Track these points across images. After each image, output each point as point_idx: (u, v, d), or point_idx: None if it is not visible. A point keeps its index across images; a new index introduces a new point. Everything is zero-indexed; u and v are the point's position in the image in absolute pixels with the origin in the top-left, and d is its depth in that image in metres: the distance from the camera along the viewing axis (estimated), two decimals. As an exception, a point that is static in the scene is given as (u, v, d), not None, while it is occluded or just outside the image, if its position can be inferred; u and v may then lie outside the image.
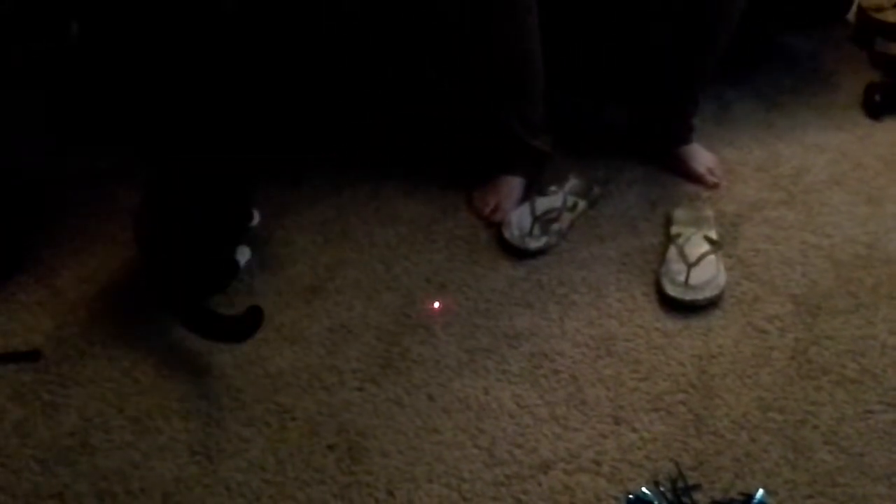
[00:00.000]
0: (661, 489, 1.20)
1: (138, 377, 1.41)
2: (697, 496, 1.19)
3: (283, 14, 1.95)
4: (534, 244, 1.61)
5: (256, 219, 1.66)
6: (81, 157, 1.93)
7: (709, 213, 1.66)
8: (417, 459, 1.27)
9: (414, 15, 1.96)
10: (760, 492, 1.18)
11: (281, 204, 1.76)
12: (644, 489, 1.20)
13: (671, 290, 1.48)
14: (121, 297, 1.56)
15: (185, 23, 1.87)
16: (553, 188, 1.71)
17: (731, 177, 1.78)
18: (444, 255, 1.63)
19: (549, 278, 1.56)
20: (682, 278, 1.49)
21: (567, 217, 1.66)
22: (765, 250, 1.59)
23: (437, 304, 1.53)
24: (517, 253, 1.61)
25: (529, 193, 1.72)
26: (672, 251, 1.56)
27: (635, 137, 1.86)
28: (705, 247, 1.54)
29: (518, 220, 1.65)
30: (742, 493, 1.19)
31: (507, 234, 1.63)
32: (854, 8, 2.25)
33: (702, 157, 1.79)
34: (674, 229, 1.61)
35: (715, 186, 1.75)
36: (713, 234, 1.59)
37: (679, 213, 1.65)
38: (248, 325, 1.39)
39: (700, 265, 1.50)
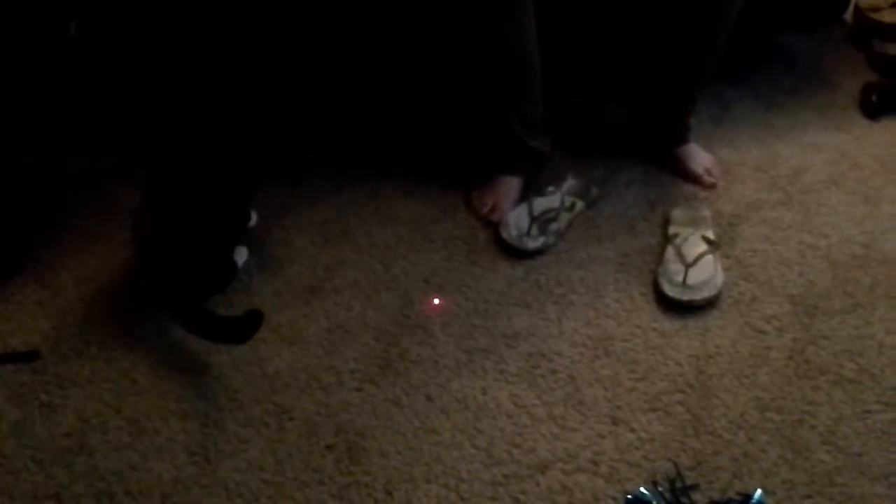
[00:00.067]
0: (660, 489, 1.20)
1: (136, 378, 1.41)
2: (695, 496, 1.19)
3: (283, 14, 1.95)
4: (532, 244, 1.61)
5: (254, 219, 1.66)
6: (81, 157, 1.93)
7: (706, 213, 1.66)
8: (416, 459, 1.27)
9: (414, 15, 1.96)
10: (758, 492, 1.18)
11: (280, 204, 1.76)
12: (642, 489, 1.20)
13: (669, 291, 1.48)
14: (119, 298, 1.57)
15: (184, 23, 1.87)
16: (551, 188, 1.71)
17: (729, 177, 1.78)
18: (443, 255, 1.63)
19: (547, 278, 1.56)
20: (679, 278, 1.49)
21: (565, 217, 1.66)
22: (762, 250, 1.59)
23: (436, 301, 1.53)
24: (515, 253, 1.61)
25: (527, 194, 1.73)
26: (670, 251, 1.56)
27: (634, 137, 1.86)
28: (703, 247, 1.54)
29: (516, 220, 1.65)
30: (740, 493, 1.19)
31: (505, 235, 1.63)
32: (851, 8, 2.25)
33: (700, 157, 1.79)
34: (671, 229, 1.61)
35: (713, 187, 1.75)
36: (711, 235, 1.59)
37: (677, 214, 1.65)
38: (247, 327, 1.40)
39: (698, 265, 1.50)
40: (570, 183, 1.74)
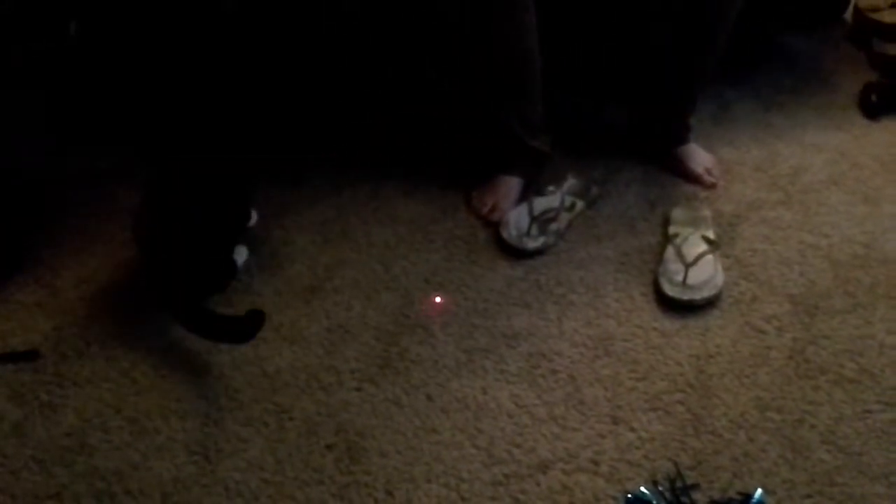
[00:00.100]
0: (660, 489, 1.20)
1: (136, 377, 1.41)
2: (696, 496, 1.19)
3: (283, 14, 1.95)
4: (532, 244, 1.61)
5: (254, 219, 1.66)
6: (81, 157, 1.93)
7: (706, 212, 1.66)
8: (416, 459, 1.27)
9: (414, 15, 1.96)
10: (759, 491, 1.18)
11: (280, 204, 1.76)
12: (642, 489, 1.20)
13: (669, 290, 1.48)
14: (119, 298, 1.57)
15: (184, 23, 1.87)
16: (551, 188, 1.71)
17: (729, 177, 1.78)
18: (443, 255, 1.63)
19: (547, 278, 1.56)
20: (679, 278, 1.49)
21: (565, 217, 1.66)
22: (762, 250, 1.59)
23: (437, 300, 1.53)
24: (515, 253, 1.61)
25: (527, 193, 1.73)
26: (670, 251, 1.56)
27: (634, 137, 1.86)
28: (703, 247, 1.54)
29: (516, 220, 1.65)
30: (740, 493, 1.19)
31: (505, 234, 1.63)
32: (851, 8, 2.26)
33: (700, 157, 1.79)
34: (672, 229, 1.61)
35: (713, 186, 1.75)
36: (711, 234, 1.59)
37: (677, 213, 1.65)
38: (248, 326, 1.40)
39: (698, 265, 1.50)
40: (570, 183, 1.74)
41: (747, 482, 1.21)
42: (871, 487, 1.19)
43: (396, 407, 1.35)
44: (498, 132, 1.74)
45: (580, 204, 1.70)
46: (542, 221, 1.63)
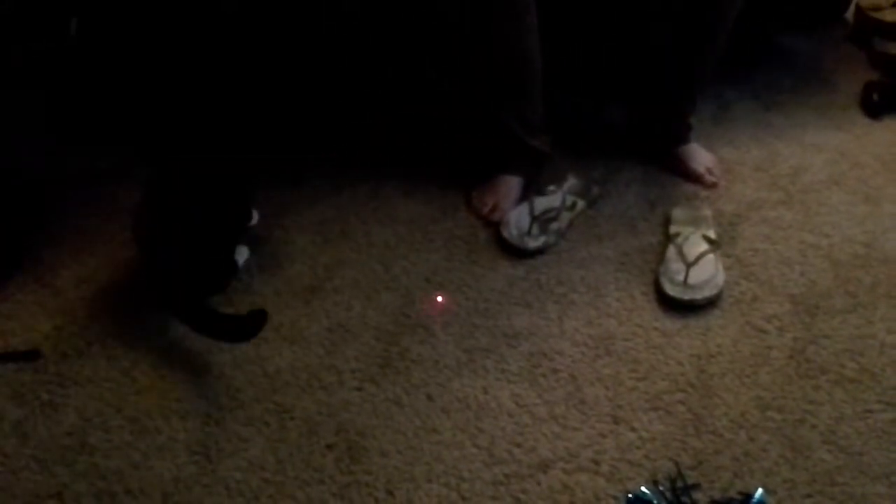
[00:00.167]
0: (661, 488, 1.20)
1: (137, 377, 1.41)
2: (696, 495, 1.19)
3: (283, 14, 1.95)
4: (532, 244, 1.61)
5: (255, 219, 1.66)
6: (81, 157, 1.93)
7: (707, 212, 1.66)
8: (416, 459, 1.27)
9: (414, 15, 1.96)
10: (759, 491, 1.18)
11: (280, 204, 1.76)
12: (643, 488, 1.20)
13: (670, 290, 1.48)
14: (120, 297, 1.57)
15: (184, 22, 1.87)
16: (552, 188, 1.71)
17: (730, 176, 1.78)
18: (443, 254, 1.63)
19: (548, 278, 1.56)
20: (680, 278, 1.49)
21: (566, 217, 1.66)
22: (763, 250, 1.59)
23: (438, 299, 1.53)
24: (516, 252, 1.61)
25: (528, 193, 1.73)
26: (671, 250, 1.56)
27: (634, 137, 1.86)
28: (704, 246, 1.54)
29: (517, 219, 1.65)
30: (741, 493, 1.19)
31: (505, 234, 1.63)
32: (852, 7, 2.26)
33: (700, 156, 1.79)
34: (672, 229, 1.61)
35: (713, 186, 1.75)
36: (712, 234, 1.59)
37: (678, 213, 1.65)
38: (250, 326, 1.39)
39: (699, 265, 1.50)
40: (570, 182, 1.74)
41: (748, 482, 1.20)
42: (871, 487, 1.19)
43: (397, 406, 1.35)
44: (498, 132, 1.74)
45: (581, 203, 1.70)
46: (542, 221, 1.63)
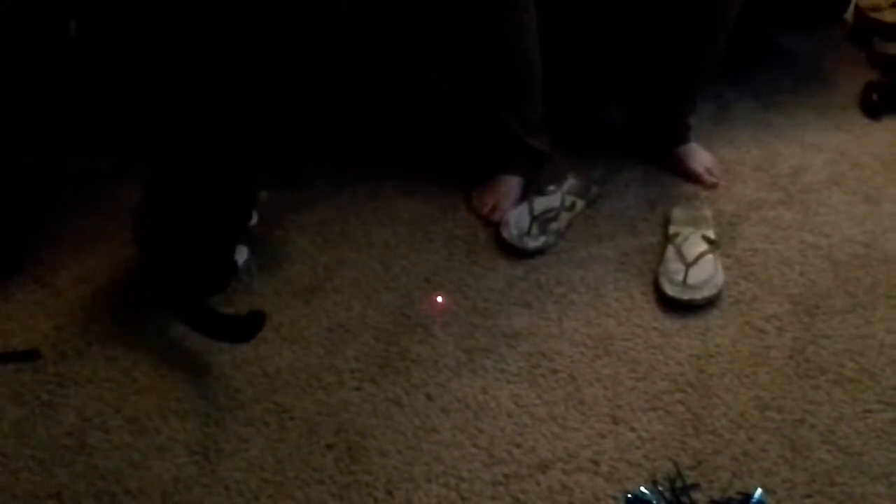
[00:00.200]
0: (660, 488, 1.20)
1: (137, 377, 1.41)
2: (696, 495, 1.19)
3: (283, 14, 1.95)
4: (532, 244, 1.61)
5: (255, 219, 1.66)
6: (81, 157, 1.93)
7: (707, 212, 1.66)
8: (416, 459, 1.27)
9: (414, 15, 1.96)
10: (759, 491, 1.18)
11: (280, 204, 1.76)
12: (642, 488, 1.20)
13: (669, 290, 1.48)
14: (119, 298, 1.57)
15: (184, 22, 1.87)
16: (551, 188, 1.71)
17: (730, 176, 1.78)
18: (443, 254, 1.63)
19: (548, 278, 1.56)
20: (680, 278, 1.49)
21: (565, 217, 1.66)
22: (763, 250, 1.59)
23: (439, 299, 1.53)
24: (515, 252, 1.61)
25: (528, 193, 1.73)
26: (670, 251, 1.56)
27: (634, 137, 1.86)
28: (703, 246, 1.54)
29: (516, 219, 1.65)
30: (740, 493, 1.19)
31: (505, 234, 1.63)
32: (851, 7, 2.26)
33: (700, 156, 1.79)
34: (672, 229, 1.61)
35: (713, 186, 1.75)
36: (711, 234, 1.59)
37: (677, 213, 1.65)
38: (249, 327, 1.39)
39: (698, 265, 1.50)
40: (570, 182, 1.74)
41: (747, 482, 1.20)
42: (871, 487, 1.19)
43: (396, 407, 1.35)
44: (498, 132, 1.74)
45: (580, 203, 1.70)
46: (542, 221, 1.63)
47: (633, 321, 1.47)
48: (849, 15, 2.27)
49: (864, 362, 1.37)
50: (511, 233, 1.63)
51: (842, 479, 1.20)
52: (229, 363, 1.42)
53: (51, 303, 1.56)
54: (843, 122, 1.93)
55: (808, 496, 1.18)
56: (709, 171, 1.77)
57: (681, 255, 1.53)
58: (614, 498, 1.20)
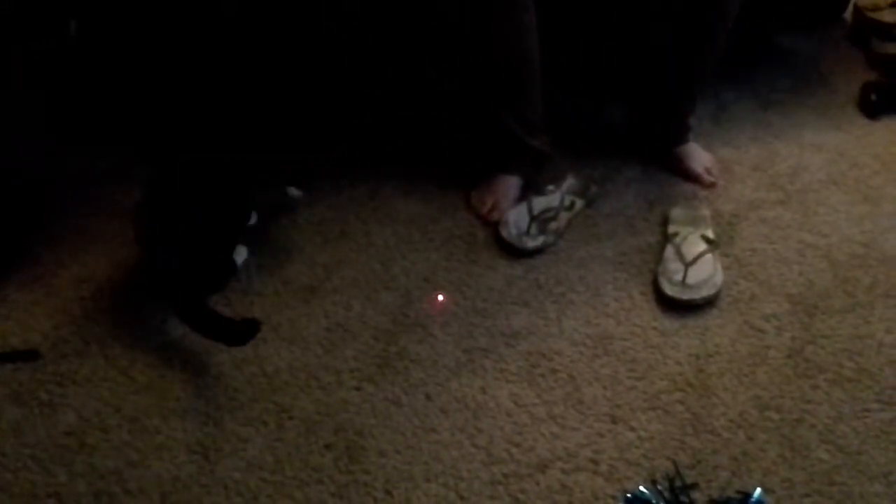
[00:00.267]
0: (659, 488, 1.20)
1: (136, 377, 1.41)
2: (695, 495, 1.19)
3: (283, 14, 1.95)
4: (531, 243, 1.61)
5: (254, 218, 1.66)
6: (81, 157, 1.93)
7: (706, 212, 1.66)
8: (415, 459, 1.27)
9: (414, 15, 1.96)
10: (758, 490, 1.18)
11: (280, 204, 1.76)
12: (641, 488, 1.20)
13: (668, 290, 1.48)
14: (119, 297, 1.57)
15: (184, 22, 1.87)
16: (551, 187, 1.71)
17: (729, 176, 1.78)
18: (442, 254, 1.63)
19: (547, 277, 1.56)
20: (679, 277, 1.49)
21: (564, 216, 1.66)
22: (762, 249, 1.59)
23: (438, 298, 1.53)
24: (515, 252, 1.61)
25: (527, 193, 1.73)
26: (669, 250, 1.56)
27: (634, 137, 1.87)
28: (702, 246, 1.54)
29: (516, 219, 1.65)
30: (739, 492, 1.19)
31: (504, 234, 1.63)
32: (850, 7, 2.26)
33: (699, 156, 1.79)
34: (671, 228, 1.62)
35: (712, 186, 1.75)
36: (710, 234, 1.59)
37: (676, 213, 1.65)
38: (242, 333, 1.39)
39: (697, 264, 1.50)
40: (569, 182, 1.74)
41: (746, 481, 1.21)
42: (869, 486, 1.19)
43: (395, 406, 1.35)
44: (498, 132, 1.74)
45: (580, 203, 1.70)
46: (541, 221, 1.63)
47: (632, 321, 1.47)
48: (848, 15, 2.27)
49: (862, 362, 1.37)
50: (510, 232, 1.63)
51: (840, 479, 1.20)
52: (228, 363, 1.42)
53: (50, 303, 1.56)
54: (841, 122, 1.93)
55: (807, 495, 1.18)
56: (708, 170, 1.77)
57: (680, 254, 1.53)
58: (613, 497, 1.20)
